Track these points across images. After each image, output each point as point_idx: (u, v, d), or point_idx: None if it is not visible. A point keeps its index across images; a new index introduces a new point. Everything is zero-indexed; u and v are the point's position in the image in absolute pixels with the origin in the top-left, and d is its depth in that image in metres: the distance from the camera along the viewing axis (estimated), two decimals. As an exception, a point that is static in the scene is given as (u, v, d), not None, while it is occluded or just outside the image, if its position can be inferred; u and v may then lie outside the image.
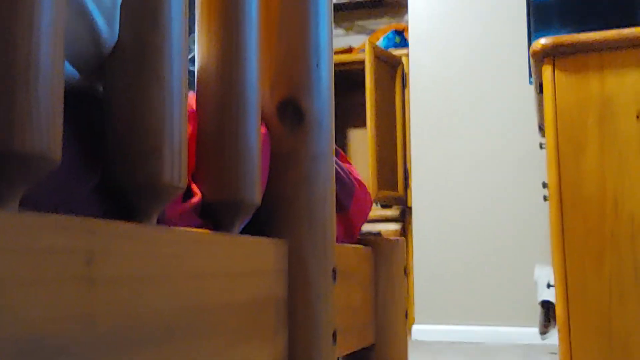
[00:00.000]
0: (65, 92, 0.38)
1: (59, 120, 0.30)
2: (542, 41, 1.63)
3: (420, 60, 2.96)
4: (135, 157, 0.39)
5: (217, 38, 0.51)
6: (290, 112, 0.62)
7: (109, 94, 0.40)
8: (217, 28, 0.51)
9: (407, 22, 3.13)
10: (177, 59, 0.41)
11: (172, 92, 0.40)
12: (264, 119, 0.62)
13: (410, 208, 3.06)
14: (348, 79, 3.41)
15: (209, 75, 0.51)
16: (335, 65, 3.23)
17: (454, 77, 2.90)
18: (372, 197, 2.84)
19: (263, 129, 0.61)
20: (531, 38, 2.15)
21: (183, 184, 0.42)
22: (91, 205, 0.39)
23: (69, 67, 0.37)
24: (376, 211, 3.10)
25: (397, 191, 3.08)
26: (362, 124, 3.42)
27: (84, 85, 0.40)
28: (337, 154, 0.87)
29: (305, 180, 0.61)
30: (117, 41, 0.39)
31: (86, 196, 0.39)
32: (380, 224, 3.05)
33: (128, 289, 0.36)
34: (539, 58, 1.66)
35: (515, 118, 2.80)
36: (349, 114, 3.54)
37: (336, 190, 0.79)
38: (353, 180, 0.83)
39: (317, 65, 0.64)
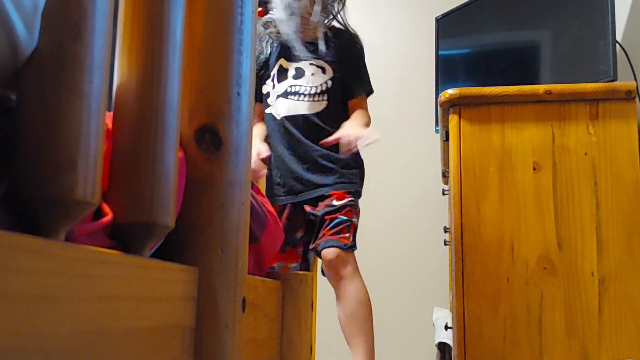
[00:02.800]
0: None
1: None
2: (450, 91, 1.71)
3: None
4: (47, 169, 0.37)
5: (139, 57, 0.50)
6: (208, 138, 0.61)
7: (23, 104, 0.38)
8: (140, 46, 0.50)
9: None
10: (97, 72, 0.40)
11: (91, 106, 0.39)
12: (182, 144, 0.61)
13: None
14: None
15: (128, 93, 0.50)
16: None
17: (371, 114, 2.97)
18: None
19: (180, 154, 0.60)
20: (438, 89, 2.25)
21: (96, 200, 0.40)
22: (-7, 218, 0.37)
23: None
24: (282, 248, 3.08)
25: (303, 229, 3.09)
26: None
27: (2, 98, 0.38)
28: (251, 186, 0.87)
29: (220, 207, 0.60)
30: (36, 49, 0.38)
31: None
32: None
33: (26, 307, 0.34)
34: (446, 107, 1.74)
35: (420, 164, 2.90)
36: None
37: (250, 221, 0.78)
38: (266, 212, 0.83)
39: (238, 94, 0.64)
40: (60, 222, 0.38)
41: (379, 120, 2.93)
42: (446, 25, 2.33)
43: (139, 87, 0.50)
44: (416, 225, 2.88)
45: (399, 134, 2.93)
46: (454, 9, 2.31)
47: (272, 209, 0.86)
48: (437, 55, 2.34)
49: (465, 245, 1.63)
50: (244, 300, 0.62)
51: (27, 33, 0.36)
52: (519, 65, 2.03)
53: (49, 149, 0.37)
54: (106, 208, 0.48)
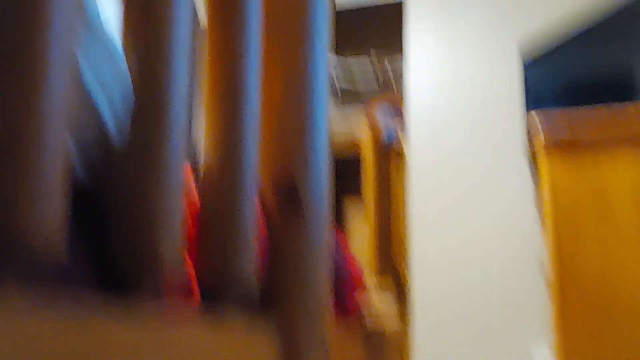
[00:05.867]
0: (74, 189, 0.39)
1: (62, 208, 0.30)
2: (537, 118, 1.66)
3: (417, 142, 3.00)
4: (134, 241, 0.39)
5: (219, 124, 0.52)
6: (287, 199, 0.62)
7: (113, 192, 0.40)
8: (220, 115, 0.52)
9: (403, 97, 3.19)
10: (176, 159, 0.41)
11: (169, 183, 0.41)
12: (262, 206, 0.62)
13: (407, 287, 3.04)
14: (343, 149, 3.44)
15: (210, 157, 0.52)
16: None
17: (452, 145, 2.93)
18: (371, 278, 2.82)
19: (260, 215, 0.62)
20: (526, 115, 2.19)
21: (180, 262, 0.42)
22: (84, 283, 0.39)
23: (76, 160, 0.38)
24: (375, 292, 3.06)
25: (396, 271, 3.06)
26: (358, 190, 3.43)
27: (91, 184, 0.40)
28: (338, 241, 0.87)
29: (303, 267, 0.61)
30: (124, 142, 0.40)
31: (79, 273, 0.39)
32: (378, 303, 3.01)
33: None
34: (534, 134, 1.69)
35: (513, 195, 2.82)
36: (343, 181, 3.56)
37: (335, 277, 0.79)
38: (350, 266, 0.83)
39: (316, 155, 0.65)
40: (146, 282, 0.40)
41: (465, 153, 2.88)
42: (531, 50, 2.28)
43: (220, 151, 0.52)
44: (513, 260, 2.78)
45: (490, 166, 2.87)
46: (539, 37, 2.26)
47: (357, 263, 0.86)
48: (524, 81, 2.28)
49: (565, 284, 1.56)
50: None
51: (116, 129, 0.38)
52: (611, 90, 1.95)
53: (135, 223, 0.39)
54: (191, 265, 0.50)
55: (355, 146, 3.25)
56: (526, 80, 2.26)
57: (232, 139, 0.52)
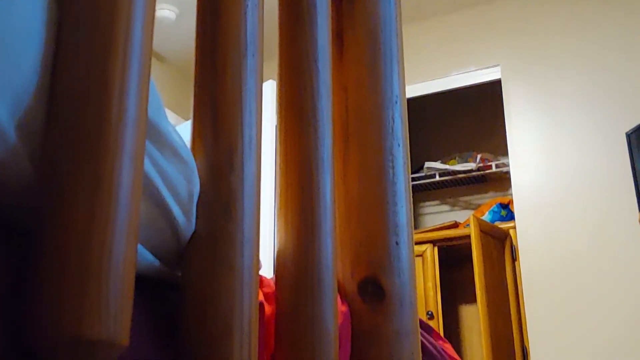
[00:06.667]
0: (147, 278, 0.42)
1: (128, 309, 0.32)
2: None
3: (528, 232, 2.90)
4: (206, 339, 0.41)
5: (293, 224, 0.54)
6: (371, 290, 0.63)
7: (186, 280, 0.43)
8: (293, 214, 0.54)
9: (511, 195, 3.12)
10: (248, 247, 0.44)
11: (243, 279, 0.43)
12: (346, 297, 0.63)
13: (532, 390, 2.83)
14: (456, 254, 3.37)
15: (287, 257, 0.54)
16: (442, 240, 3.23)
17: (564, 246, 2.80)
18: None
19: (345, 308, 0.62)
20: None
21: None
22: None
23: (150, 256, 0.41)
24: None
25: (516, 372, 2.87)
26: (473, 299, 3.31)
27: (164, 272, 0.43)
28: (430, 331, 0.86)
29: (389, 358, 0.60)
30: (194, 232, 0.43)
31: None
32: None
33: None
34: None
35: (633, 285, 2.62)
36: (458, 290, 3.46)
37: (428, 370, 0.76)
38: (447, 358, 0.81)
39: (397, 243, 0.65)
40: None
41: (579, 239, 2.74)
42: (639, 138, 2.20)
43: (295, 250, 0.54)
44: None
45: (606, 252, 2.70)
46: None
47: (454, 355, 0.83)
48: (635, 171, 2.19)
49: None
50: None
51: (185, 219, 0.42)
52: None
53: (208, 320, 0.41)
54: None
55: (462, 238, 3.18)
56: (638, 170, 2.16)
57: (306, 237, 0.54)
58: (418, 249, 3.24)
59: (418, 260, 3.22)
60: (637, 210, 2.46)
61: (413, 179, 3.57)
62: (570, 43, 3.00)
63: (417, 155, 3.77)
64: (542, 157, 2.96)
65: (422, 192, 3.79)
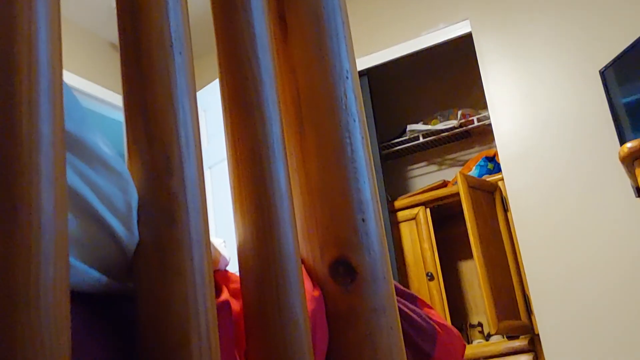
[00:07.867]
0: (96, 294, 0.41)
1: (65, 333, 0.32)
2: (628, 145, 1.57)
3: (516, 181, 2.91)
4: (163, 352, 0.40)
5: (250, 217, 0.53)
6: (342, 271, 0.62)
7: (137, 292, 0.42)
8: (249, 208, 0.53)
9: (496, 147, 3.11)
10: (198, 250, 0.43)
11: (196, 283, 0.42)
12: (318, 282, 0.63)
13: (538, 335, 2.86)
14: (448, 212, 3.38)
15: (247, 253, 0.53)
16: (433, 201, 3.23)
17: (553, 190, 2.81)
18: (494, 329, 2.69)
19: (317, 292, 0.62)
20: (625, 140, 2.08)
21: None
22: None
23: (95, 273, 0.40)
24: (502, 344, 2.91)
25: (520, 319, 2.90)
26: (471, 255, 3.33)
27: (114, 286, 0.42)
28: (415, 300, 0.85)
29: (367, 336, 0.60)
30: (139, 241, 0.42)
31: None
32: (509, 357, 2.86)
33: None
34: (629, 162, 1.59)
35: (622, 217, 2.64)
36: (455, 247, 3.47)
37: (414, 338, 0.76)
38: (434, 324, 0.81)
39: (363, 220, 0.64)
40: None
41: (566, 185, 2.75)
42: (616, 73, 2.19)
43: (255, 243, 0.53)
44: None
45: (594, 194, 2.72)
46: (617, 56, 2.17)
47: (441, 320, 0.83)
48: (612, 107, 2.18)
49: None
50: None
51: (126, 230, 0.41)
52: None
53: (163, 331, 0.40)
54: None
55: (453, 196, 3.18)
56: (619, 104, 2.16)
57: (264, 229, 0.52)
58: (410, 212, 3.24)
59: (412, 224, 3.23)
60: (619, 145, 2.47)
61: (397, 144, 3.56)
62: (536, -13, 2.98)
63: (398, 119, 3.75)
64: (522, 105, 2.95)
65: (408, 156, 3.78)
